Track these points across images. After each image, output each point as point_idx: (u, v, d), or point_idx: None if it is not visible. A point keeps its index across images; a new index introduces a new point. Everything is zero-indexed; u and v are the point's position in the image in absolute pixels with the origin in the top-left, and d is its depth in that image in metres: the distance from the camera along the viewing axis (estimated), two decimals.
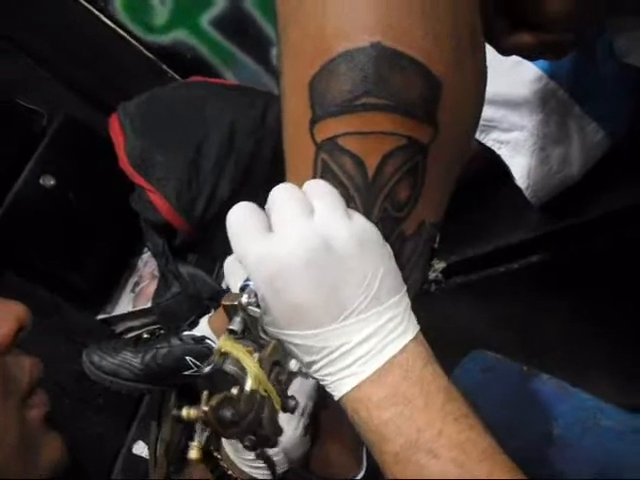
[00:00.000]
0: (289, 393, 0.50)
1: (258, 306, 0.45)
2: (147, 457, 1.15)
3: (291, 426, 0.61)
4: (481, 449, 0.43)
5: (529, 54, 0.61)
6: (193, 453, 0.46)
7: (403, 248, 0.49)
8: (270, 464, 0.55)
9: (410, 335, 0.45)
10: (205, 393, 0.46)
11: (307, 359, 0.46)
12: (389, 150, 0.46)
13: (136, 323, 1.45)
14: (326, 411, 0.66)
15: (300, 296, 0.44)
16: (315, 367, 0.46)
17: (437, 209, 0.51)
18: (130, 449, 1.20)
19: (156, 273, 1.40)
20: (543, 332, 1.05)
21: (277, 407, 0.48)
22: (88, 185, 1.37)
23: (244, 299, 0.45)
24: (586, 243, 0.90)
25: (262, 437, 0.48)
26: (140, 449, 1.19)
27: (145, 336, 1.40)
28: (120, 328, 1.46)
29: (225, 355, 0.47)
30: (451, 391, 0.45)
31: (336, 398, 0.46)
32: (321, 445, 0.67)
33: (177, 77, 1.53)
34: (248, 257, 0.45)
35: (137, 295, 1.47)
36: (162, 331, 1.32)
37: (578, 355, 1.02)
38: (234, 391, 0.46)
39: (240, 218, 0.46)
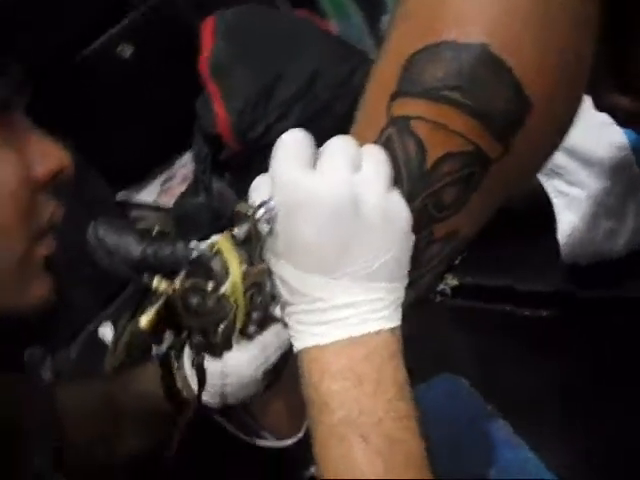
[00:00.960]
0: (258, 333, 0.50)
1: (269, 225, 0.45)
2: (108, 343, 1.16)
3: (246, 359, 0.61)
4: (410, 454, 0.43)
5: (622, 119, 0.60)
6: (144, 319, 0.45)
7: (428, 248, 0.49)
8: (201, 375, 0.54)
9: (389, 324, 0.45)
10: (183, 273, 0.46)
11: (287, 298, 0.46)
12: (454, 150, 0.45)
13: (151, 217, 1.47)
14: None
15: (310, 236, 0.43)
16: (290, 309, 0.46)
17: (473, 225, 0.51)
18: (96, 329, 1.22)
19: (189, 177, 1.42)
20: (518, 385, 1.04)
21: (238, 323, 0.48)
22: (161, 70, 1.38)
23: (259, 212, 0.44)
24: (601, 317, 0.89)
25: (210, 344, 0.48)
26: (106, 333, 1.20)
27: (155, 231, 1.42)
28: (134, 214, 1.48)
29: (216, 253, 0.47)
30: (404, 391, 0.45)
31: (296, 349, 0.46)
32: (267, 396, 0.68)
33: (286, 5, 1.52)
34: (282, 177, 0.44)
35: (164, 191, 1.48)
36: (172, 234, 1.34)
37: (543, 420, 1.02)
38: (209, 286, 0.46)
39: (293, 141, 0.46)
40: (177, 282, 0.45)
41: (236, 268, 0.46)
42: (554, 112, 0.47)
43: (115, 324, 1.25)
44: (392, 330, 0.45)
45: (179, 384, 0.59)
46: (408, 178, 0.46)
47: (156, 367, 0.63)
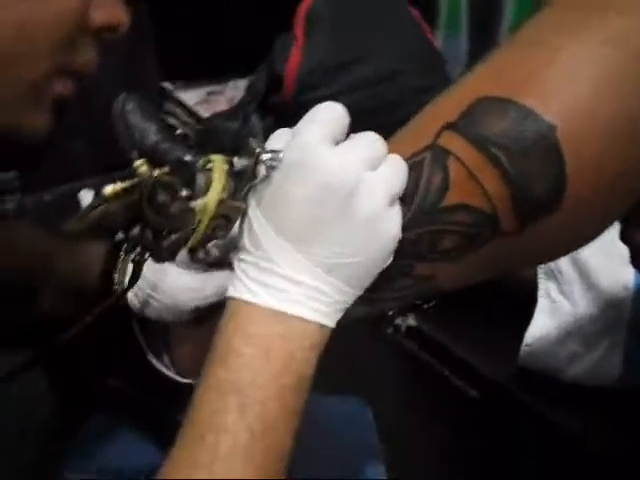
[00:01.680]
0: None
1: (267, 172, 0.45)
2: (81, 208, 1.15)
3: (183, 285, 0.60)
4: (275, 447, 0.43)
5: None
6: (109, 188, 0.44)
7: (400, 278, 0.49)
8: (136, 272, 0.53)
9: (324, 321, 0.45)
10: (168, 166, 0.46)
11: (248, 246, 0.46)
12: (473, 204, 0.45)
13: (182, 118, 1.46)
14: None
15: (298, 200, 0.44)
16: (244, 257, 0.46)
17: (454, 282, 0.50)
18: (79, 190, 1.20)
19: (234, 102, 1.41)
20: (418, 441, 1.04)
21: (190, 241, 0.48)
22: None
23: (266, 155, 0.45)
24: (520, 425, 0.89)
25: (157, 245, 0.48)
26: (85, 198, 1.18)
27: (179, 132, 1.41)
28: (167, 107, 1.46)
29: (207, 169, 0.46)
30: (302, 386, 0.45)
31: (228, 294, 0.46)
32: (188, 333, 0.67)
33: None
34: (303, 137, 0.44)
35: (206, 101, 1.47)
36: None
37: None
38: (183, 192, 0.46)
39: (331, 111, 0.46)
40: (156, 172, 0.45)
41: (217, 191, 0.46)
42: (590, 212, 0.47)
43: (97, 194, 1.24)
44: (322, 327, 0.45)
45: (116, 273, 0.59)
46: (417, 206, 0.46)
47: (107, 249, 0.63)
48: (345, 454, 0.85)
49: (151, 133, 1.22)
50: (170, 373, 0.69)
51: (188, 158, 0.48)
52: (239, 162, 0.46)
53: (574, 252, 0.82)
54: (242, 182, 0.47)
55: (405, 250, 0.46)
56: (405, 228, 0.46)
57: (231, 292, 0.46)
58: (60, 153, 1.19)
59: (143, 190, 0.45)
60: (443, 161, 0.45)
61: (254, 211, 0.46)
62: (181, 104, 1.43)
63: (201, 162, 0.47)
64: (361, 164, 0.44)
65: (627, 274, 0.79)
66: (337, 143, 0.45)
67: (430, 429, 1.00)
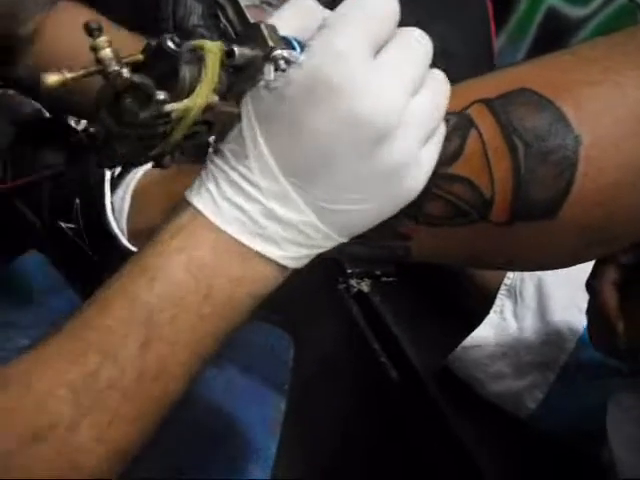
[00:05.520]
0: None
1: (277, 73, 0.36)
2: None
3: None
4: (165, 395, 0.38)
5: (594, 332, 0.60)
6: (51, 76, 0.34)
7: (383, 228, 0.47)
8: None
9: (292, 265, 0.40)
10: (143, 59, 0.36)
11: (230, 158, 0.38)
12: (476, 183, 0.44)
13: (228, 13, 1.42)
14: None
15: (312, 128, 0.36)
16: (219, 163, 0.38)
17: (425, 253, 0.49)
18: None
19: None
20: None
21: (155, 150, 0.38)
22: None
23: (281, 52, 0.35)
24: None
25: (110, 150, 0.38)
26: None
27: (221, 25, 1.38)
28: None
29: (197, 58, 0.35)
30: (225, 335, 0.39)
31: (187, 195, 0.39)
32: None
33: None
34: (334, 41, 0.36)
35: (255, 7, 1.44)
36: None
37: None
38: (158, 95, 0.34)
39: (379, 5, 0.38)
40: (125, 71, 0.34)
41: (205, 92, 0.35)
42: (571, 238, 0.46)
43: None
44: (284, 271, 0.40)
45: None
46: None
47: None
48: (250, 384, 0.85)
49: (195, 14, 1.19)
50: (123, 239, 0.68)
51: (170, 44, 0.34)
52: (241, 53, 0.35)
53: (542, 282, 0.82)
54: (239, 80, 0.37)
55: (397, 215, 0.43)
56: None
57: (192, 197, 0.39)
58: None
59: (103, 92, 0.35)
60: (465, 130, 0.44)
61: (251, 122, 0.37)
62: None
63: (190, 46, 0.35)
64: (406, 92, 0.37)
65: (580, 321, 0.80)
66: (378, 50, 0.38)
67: (339, 394, 1.01)
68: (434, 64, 0.43)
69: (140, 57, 0.36)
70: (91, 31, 0.33)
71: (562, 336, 0.81)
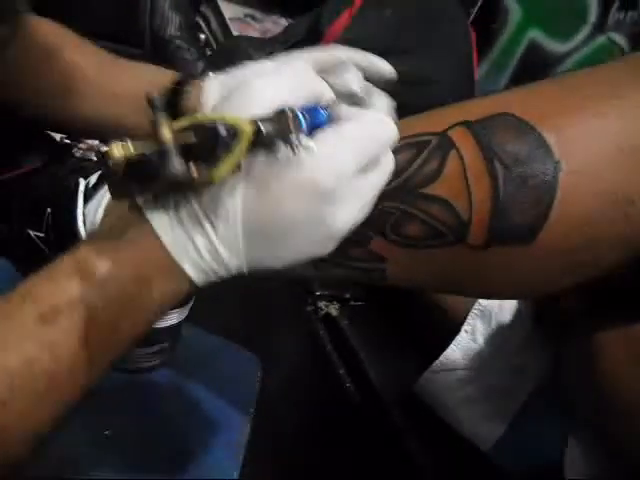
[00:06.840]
0: None
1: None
2: None
3: None
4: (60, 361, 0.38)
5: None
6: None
7: (356, 248, 0.47)
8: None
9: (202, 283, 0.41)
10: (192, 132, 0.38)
11: (196, 204, 0.39)
12: (453, 205, 0.44)
13: (212, 25, 1.42)
14: None
15: (288, 214, 0.39)
16: (190, 197, 0.40)
17: (400, 276, 0.49)
18: None
19: (266, 36, 1.39)
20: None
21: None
22: None
23: (302, 139, 0.38)
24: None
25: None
26: None
27: (202, 37, 1.38)
28: (202, 9, 1.44)
29: (234, 135, 0.37)
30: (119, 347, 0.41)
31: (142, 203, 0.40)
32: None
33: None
34: (335, 159, 0.39)
35: (241, 20, 1.45)
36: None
37: None
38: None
39: (385, 133, 0.43)
40: (178, 164, 0.36)
41: (230, 167, 0.37)
42: (547, 265, 0.47)
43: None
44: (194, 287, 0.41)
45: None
46: (401, 182, 0.45)
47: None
48: (217, 406, 0.84)
49: (172, 25, 1.19)
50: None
51: (215, 126, 0.36)
52: (266, 128, 0.38)
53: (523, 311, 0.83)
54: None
55: (370, 219, 0.43)
56: (379, 198, 0.43)
57: (147, 209, 0.40)
58: None
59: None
60: (445, 151, 0.45)
61: (235, 183, 0.39)
62: (218, 11, 1.40)
63: (229, 125, 0.37)
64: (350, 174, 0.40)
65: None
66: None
67: (303, 416, 1.00)
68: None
69: (193, 139, 0.37)
70: (153, 105, 0.36)
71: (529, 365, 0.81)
